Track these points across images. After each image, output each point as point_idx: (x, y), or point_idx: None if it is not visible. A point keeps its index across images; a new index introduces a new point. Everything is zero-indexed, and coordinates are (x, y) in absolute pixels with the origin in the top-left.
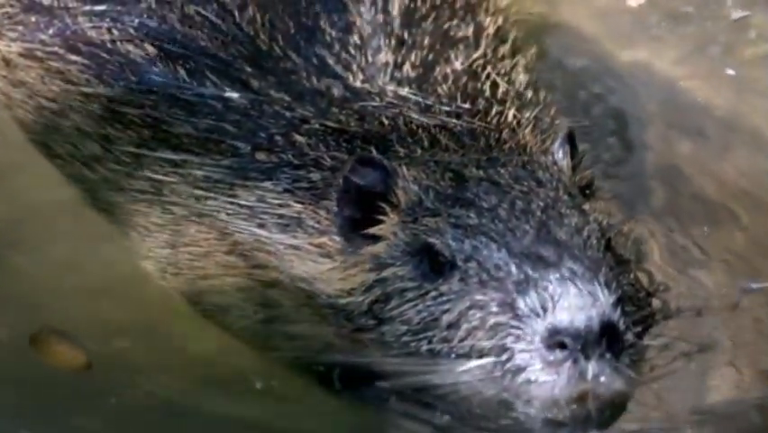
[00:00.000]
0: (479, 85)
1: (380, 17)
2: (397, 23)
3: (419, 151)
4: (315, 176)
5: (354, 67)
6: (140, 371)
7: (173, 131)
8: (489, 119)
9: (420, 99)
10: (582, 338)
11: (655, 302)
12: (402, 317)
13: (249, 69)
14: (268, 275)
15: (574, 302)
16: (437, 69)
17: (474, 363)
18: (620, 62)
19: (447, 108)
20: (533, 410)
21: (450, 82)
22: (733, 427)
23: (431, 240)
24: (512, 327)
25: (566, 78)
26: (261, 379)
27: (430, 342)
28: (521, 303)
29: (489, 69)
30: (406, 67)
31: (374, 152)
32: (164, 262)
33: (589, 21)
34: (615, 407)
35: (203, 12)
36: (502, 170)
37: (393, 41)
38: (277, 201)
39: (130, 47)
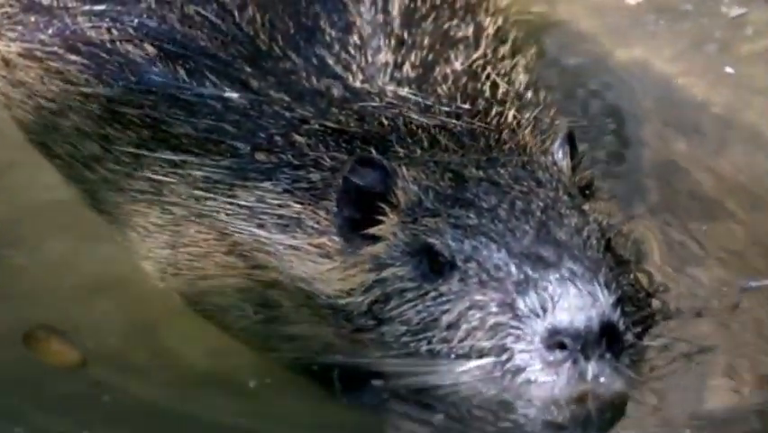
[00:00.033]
0: (478, 85)
1: (380, 17)
2: (396, 23)
3: (419, 151)
4: (315, 176)
5: (354, 67)
6: (134, 369)
7: (173, 131)
8: (488, 119)
9: (420, 99)
10: (582, 339)
11: (655, 303)
12: (402, 318)
13: (248, 70)
14: (267, 275)
15: (574, 303)
16: (437, 69)
17: (474, 363)
18: (617, 59)
19: (447, 109)
20: (532, 411)
21: (450, 82)
22: (732, 432)
23: (431, 240)
24: (512, 327)
25: (563, 76)
26: (256, 378)
27: (430, 342)
28: (521, 303)
29: (488, 69)
30: (406, 67)
31: (374, 152)
32: (164, 262)
33: (586, 18)
34: (615, 408)
35: (203, 12)
36: (502, 171)
37: (393, 42)
38: (276, 201)
39: (129, 47)
